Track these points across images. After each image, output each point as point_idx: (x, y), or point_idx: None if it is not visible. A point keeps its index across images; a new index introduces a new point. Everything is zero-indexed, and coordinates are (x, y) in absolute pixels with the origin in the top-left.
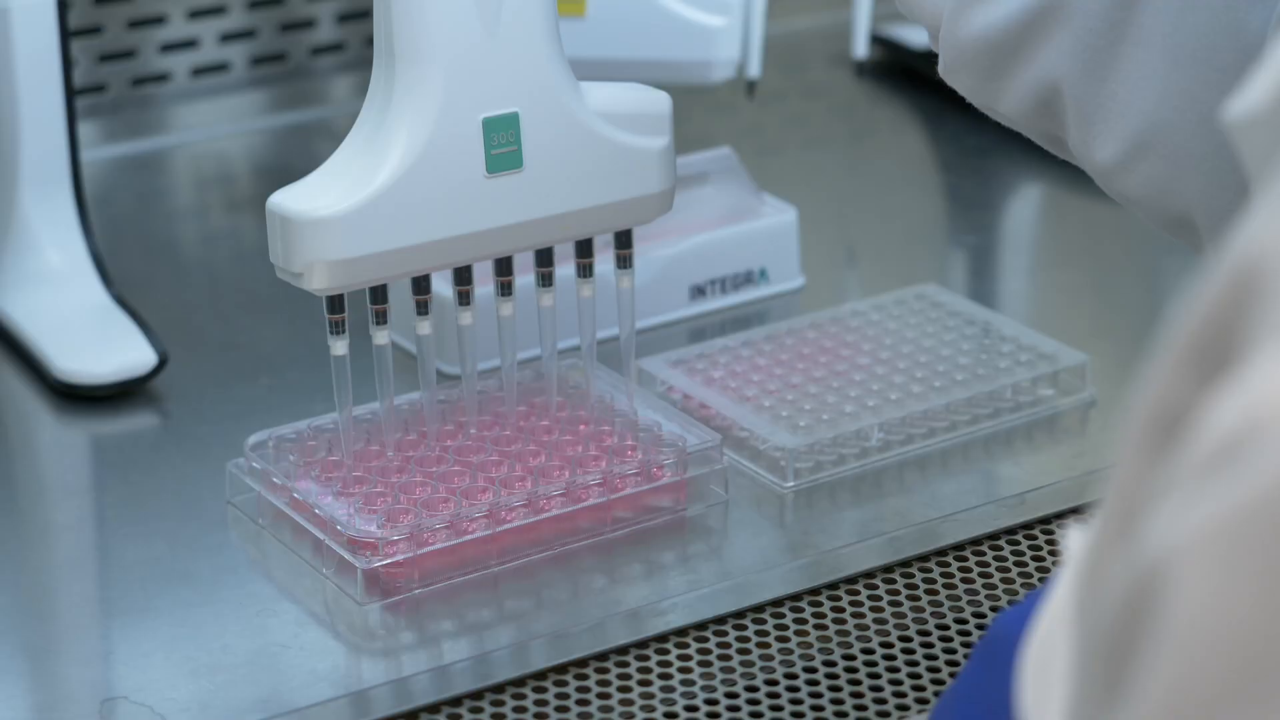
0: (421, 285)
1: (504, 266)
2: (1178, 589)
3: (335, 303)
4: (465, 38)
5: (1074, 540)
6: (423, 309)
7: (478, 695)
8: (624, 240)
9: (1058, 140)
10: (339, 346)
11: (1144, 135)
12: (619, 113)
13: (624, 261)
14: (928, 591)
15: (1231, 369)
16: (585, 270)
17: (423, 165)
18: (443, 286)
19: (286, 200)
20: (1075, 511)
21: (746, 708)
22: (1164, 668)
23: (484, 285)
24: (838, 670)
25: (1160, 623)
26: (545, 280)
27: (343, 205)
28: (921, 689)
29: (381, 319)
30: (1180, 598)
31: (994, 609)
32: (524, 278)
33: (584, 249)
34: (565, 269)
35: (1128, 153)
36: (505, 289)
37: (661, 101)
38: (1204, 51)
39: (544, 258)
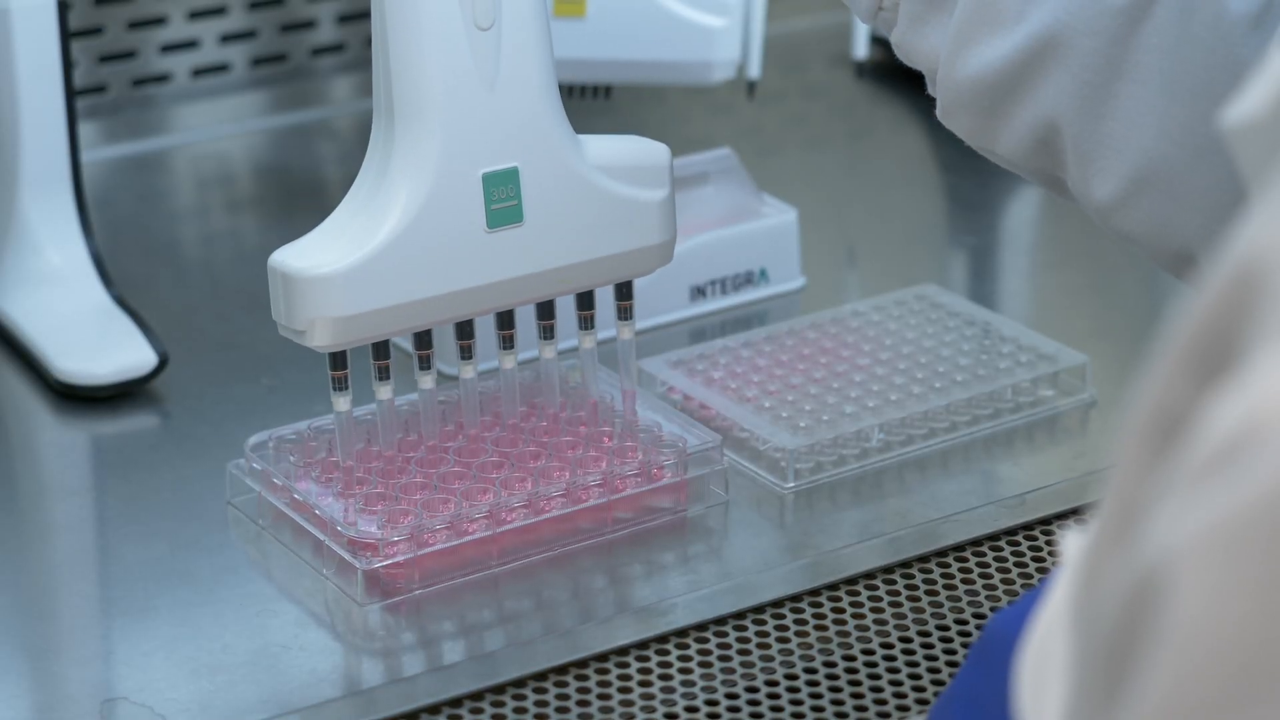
0: (423, 340)
1: (505, 320)
2: (1177, 592)
3: (338, 359)
4: (464, 94)
5: (1071, 543)
6: (424, 364)
7: (478, 696)
8: (624, 292)
9: (1057, 181)
10: (342, 402)
11: (1143, 172)
12: (618, 165)
13: (624, 313)
14: (928, 592)
15: (1231, 372)
16: (586, 322)
17: (423, 221)
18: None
19: (287, 258)
20: (1075, 512)
21: (747, 708)
22: (1163, 671)
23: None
24: (838, 671)
25: (1159, 626)
26: (546, 333)
27: (344, 262)
28: (921, 689)
29: (384, 374)
30: (1180, 601)
31: (994, 609)
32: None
33: (584, 301)
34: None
35: (1127, 190)
36: (506, 342)
37: (660, 153)
38: (1201, 86)
39: (544, 311)
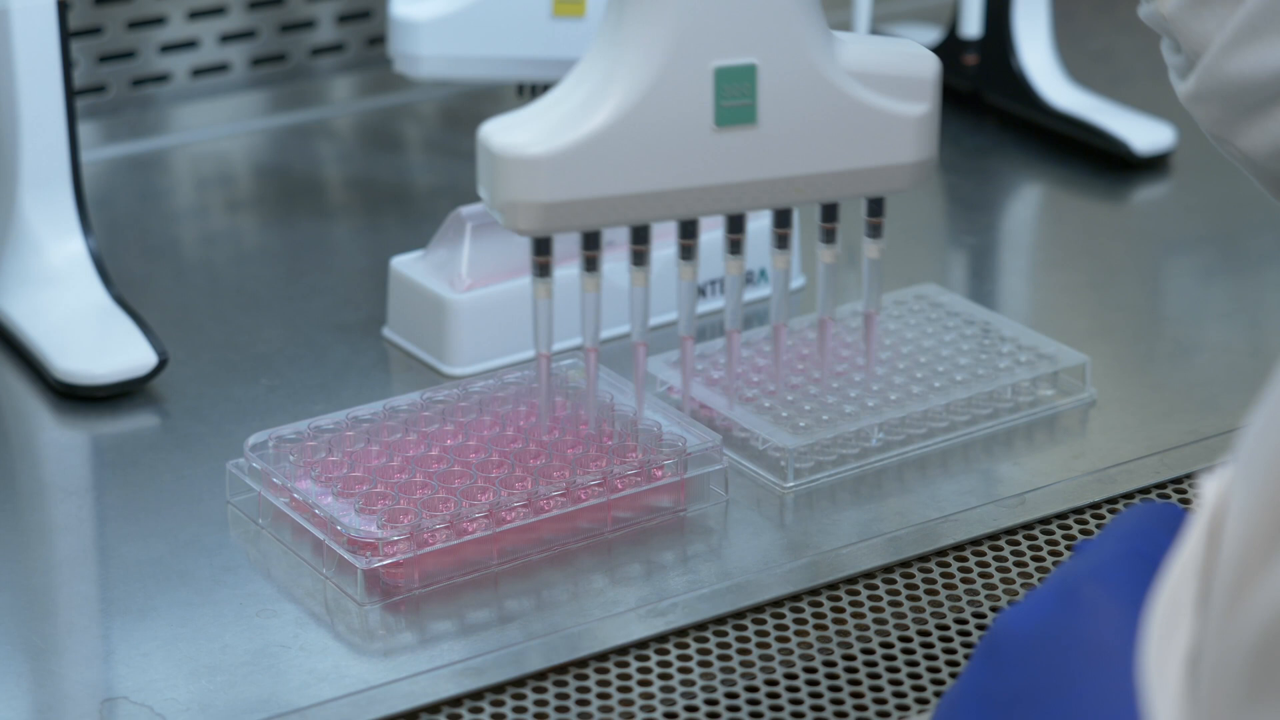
0: (640, 235)
1: (735, 224)
2: None
3: (541, 244)
4: None
5: (1209, 488)
6: (639, 259)
7: (477, 695)
8: (875, 208)
9: None
10: (542, 289)
11: None
12: (875, 73)
13: (874, 230)
14: (928, 592)
15: None
16: (829, 236)
17: (644, 110)
18: (444, 289)
19: (495, 131)
20: (1075, 512)
21: (746, 708)
22: None
23: (496, 284)
24: (838, 670)
25: None
26: (781, 242)
27: (553, 144)
28: (921, 689)
29: (592, 266)
30: None
31: (994, 609)
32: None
33: (828, 213)
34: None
35: None
36: (734, 247)
37: (927, 65)
38: None
39: (781, 219)
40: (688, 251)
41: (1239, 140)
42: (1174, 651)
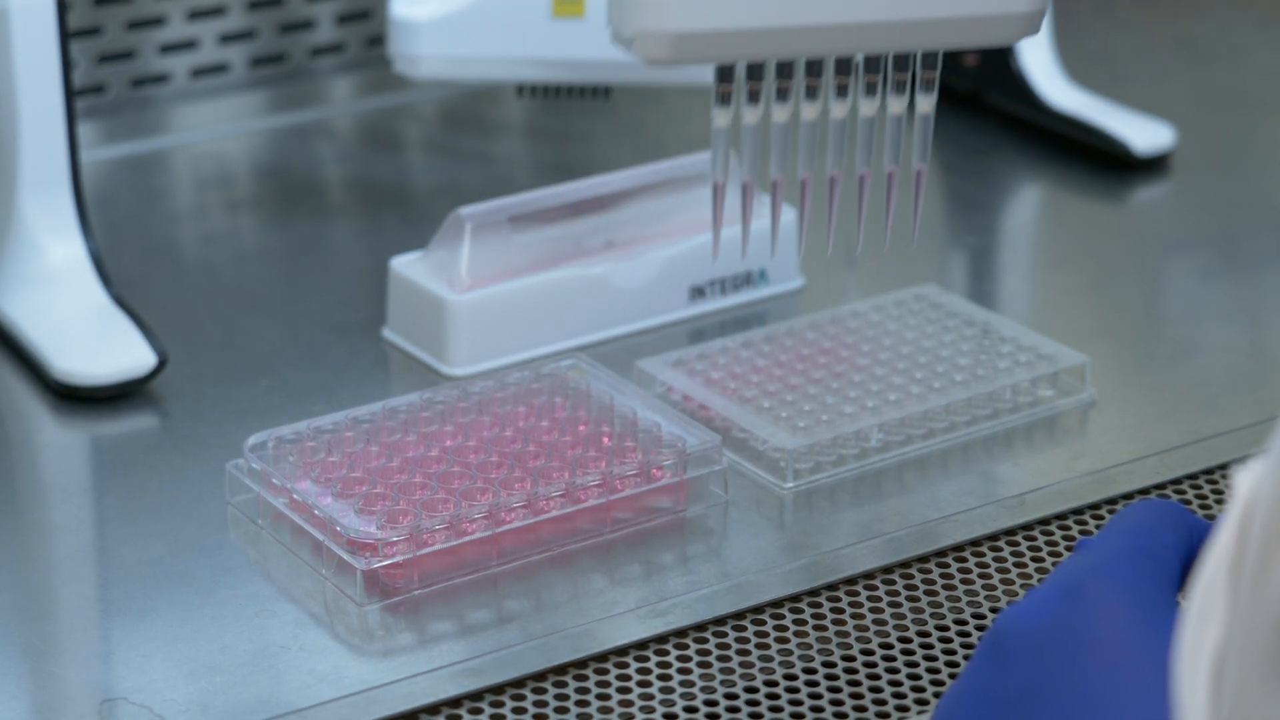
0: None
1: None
2: None
3: (724, 72)
4: None
5: (1242, 481)
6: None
7: (477, 696)
8: (929, 61)
9: None
10: (720, 118)
11: None
12: None
13: (929, 85)
14: (927, 592)
15: None
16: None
17: None
18: (444, 290)
19: None
20: (1075, 512)
21: (746, 709)
22: None
23: (496, 284)
24: (837, 671)
25: None
26: (870, 90)
27: None
28: (921, 690)
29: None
30: None
31: (994, 610)
32: (551, 274)
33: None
34: (577, 269)
35: None
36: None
37: None
38: None
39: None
40: (813, 91)
41: None
42: (1206, 648)
